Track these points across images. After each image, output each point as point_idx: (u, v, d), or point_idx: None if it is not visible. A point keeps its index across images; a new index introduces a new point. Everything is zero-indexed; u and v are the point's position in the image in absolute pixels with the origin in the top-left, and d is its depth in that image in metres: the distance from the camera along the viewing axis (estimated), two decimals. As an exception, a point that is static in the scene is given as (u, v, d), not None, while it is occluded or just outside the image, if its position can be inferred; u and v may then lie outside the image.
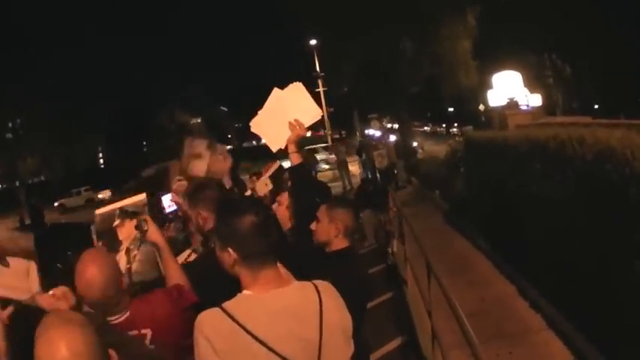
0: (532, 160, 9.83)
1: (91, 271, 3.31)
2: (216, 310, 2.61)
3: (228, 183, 6.87)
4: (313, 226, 4.70)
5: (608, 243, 7.06)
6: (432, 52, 34.88)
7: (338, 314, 2.79)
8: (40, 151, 61.88)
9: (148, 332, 3.44)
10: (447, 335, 6.77)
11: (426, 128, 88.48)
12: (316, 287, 2.80)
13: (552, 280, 9.01)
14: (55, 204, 63.07)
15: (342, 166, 32.80)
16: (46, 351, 2.11)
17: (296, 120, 5.01)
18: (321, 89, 51.91)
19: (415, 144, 43.25)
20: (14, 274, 3.78)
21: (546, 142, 9.22)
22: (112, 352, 2.37)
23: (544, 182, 9.28)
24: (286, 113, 5.12)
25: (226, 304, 2.63)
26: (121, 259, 4.14)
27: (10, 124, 63.10)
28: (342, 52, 36.86)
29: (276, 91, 5.32)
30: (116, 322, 3.39)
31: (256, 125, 5.36)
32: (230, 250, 2.74)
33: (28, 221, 44.92)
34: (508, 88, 17.26)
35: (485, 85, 21.54)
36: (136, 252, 4.15)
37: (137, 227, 4.10)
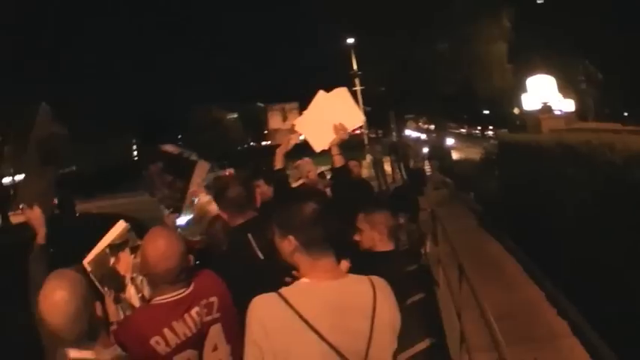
0: (564, 164, 9.86)
1: (162, 243, 3.50)
2: (272, 294, 2.66)
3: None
4: (357, 237, 4.88)
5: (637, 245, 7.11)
6: (468, 53, 34.82)
7: (390, 311, 2.81)
8: (74, 141, 61.90)
9: (215, 300, 3.70)
10: (474, 337, 6.81)
11: (462, 130, 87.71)
12: (372, 282, 2.82)
13: (581, 284, 9.03)
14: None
15: (377, 165, 32.60)
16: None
17: (340, 124, 5.25)
18: (358, 88, 51.78)
19: (450, 143, 43.08)
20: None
21: (578, 147, 9.26)
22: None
23: (576, 186, 9.32)
24: (331, 116, 5.33)
25: (283, 290, 2.68)
26: (130, 291, 4.19)
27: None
28: (380, 51, 36.93)
29: (321, 93, 5.51)
30: (183, 294, 3.57)
31: (301, 125, 5.61)
32: (290, 237, 2.77)
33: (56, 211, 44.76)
34: (542, 92, 17.22)
35: (520, 88, 21.43)
36: (140, 277, 4.14)
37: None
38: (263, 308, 2.63)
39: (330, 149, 5.31)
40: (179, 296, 3.55)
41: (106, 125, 66.76)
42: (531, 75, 18.53)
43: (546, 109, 16.86)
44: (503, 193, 17.22)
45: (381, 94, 46.55)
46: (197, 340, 3.54)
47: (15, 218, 19.78)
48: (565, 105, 18.93)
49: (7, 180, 51.10)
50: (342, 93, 5.54)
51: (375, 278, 2.87)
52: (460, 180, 27.92)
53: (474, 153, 37.51)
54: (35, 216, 4.40)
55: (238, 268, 4.11)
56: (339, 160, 5.28)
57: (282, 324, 2.57)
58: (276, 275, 3.39)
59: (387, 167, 33.15)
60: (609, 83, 32.42)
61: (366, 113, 51.05)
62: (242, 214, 4.64)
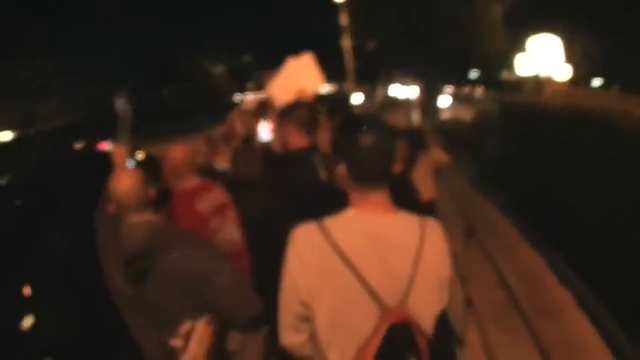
0: (574, 127, 9.68)
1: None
2: (313, 223, 2.58)
3: None
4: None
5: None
6: (465, 12, 34.51)
7: (438, 258, 2.64)
8: (61, 95, 60.93)
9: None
10: (481, 305, 6.66)
11: (448, 90, 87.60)
12: (422, 222, 2.67)
13: (586, 247, 8.88)
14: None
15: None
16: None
17: (301, 88, 5.73)
18: (346, 43, 51.41)
19: (444, 103, 43.01)
20: None
21: (590, 111, 9.07)
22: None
23: (587, 149, 9.14)
24: (295, 80, 5.84)
25: (326, 219, 2.60)
26: None
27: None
28: (374, 6, 36.63)
29: (290, 59, 6.16)
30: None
31: (271, 88, 6.21)
32: (343, 165, 2.62)
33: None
34: (545, 54, 16.90)
35: (515, 51, 21.18)
36: None
37: None
38: (301, 238, 2.57)
39: None
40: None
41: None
42: (528, 38, 18.26)
43: (549, 70, 16.61)
44: (504, 154, 17.03)
45: (372, 50, 46.27)
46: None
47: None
48: (564, 70, 18.63)
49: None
50: (306, 59, 6.10)
51: (429, 219, 2.72)
52: (450, 140, 27.75)
53: (464, 113, 37.36)
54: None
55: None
56: None
57: (318, 255, 2.50)
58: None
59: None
60: (606, 53, 31.97)
61: (355, 69, 51.09)
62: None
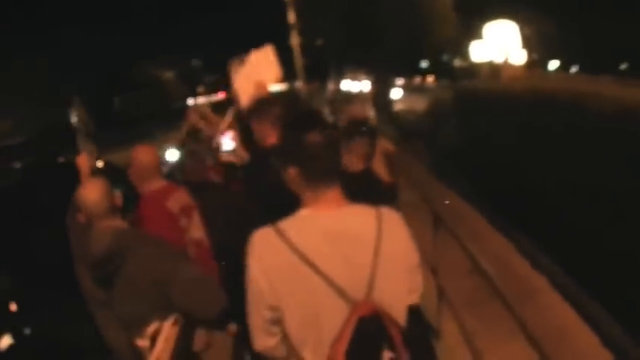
0: (538, 111, 9.70)
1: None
2: (268, 228, 2.54)
3: None
4: None
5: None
6: (413, 2, 34.66)
7: (399, 245, 2.61)
8: (13, 113, 60.16)
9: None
10: (453, 295, 6.61)
11: (398, 82, 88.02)
12: (379, 211, 2.63)
13: (558, 232, 8.91)
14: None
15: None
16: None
17: (260, 81, 5.82)
18: (294, 41, 51.44)
19: (396, 95, 43.24)
20: None
21: (555, 93, 9.10)
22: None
23: (550, 132, 9.17)
24: (256, 74, 5.95)
25: (281, 222, 2.55)
26: None
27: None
28: (320, 2, 36.71)
29: (253, 52, 6.17)
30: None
31: (235, 82, 6.22)
32: (293, 167, 2.59)
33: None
34: (502, 40, 17.02)
35: (467, 38, 21.30)
36: None
37: None
38: (259, 244, 2.53)
39: None
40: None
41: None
42: (480, 25, 18.40)
43: (506, 56, 16.72)
44: (460, 141, 17.10)
45: (321, 46, 46.36)
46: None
47: None
48: (520, 55, 18.79)
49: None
50: (266, 51, 6.16)
51: (385, 209, 2.68)
52: (404, 131, 27.89)
53: (417, 104, 37.64)
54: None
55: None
56: None
57: (279, 259, 2.45)
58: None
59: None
60: (564, 37, 32.26)
61: (304, 66, 51.17)
62: None
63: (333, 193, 2.60)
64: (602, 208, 7.75)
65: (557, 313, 6.82)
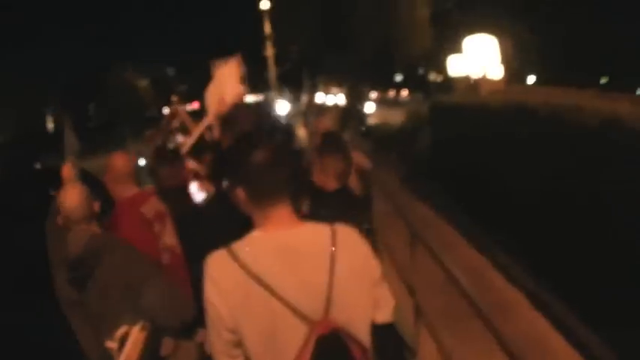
0: (518, 126, 9.69)
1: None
2: (222, 250, 2.47)
3: None
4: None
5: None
6: (389, 15, 34.83)
7: (356, 261, 2.54)
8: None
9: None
10: (430, 312, 6.53)
11: (372, 95, 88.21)
12: (333, 229, 2.55)
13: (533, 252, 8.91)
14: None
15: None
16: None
17: (221, 97, 5.85)
18: (269, 52, 51.57)
19: (369, 109, 43.28)
20: None
21: (536, 108, 9.09)
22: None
23: (531, 147, 9.15)
24: (220, 88, 5.97)
25: (233, 244, 2.48)
26: None
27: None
28: (296, 13, 36.77)
29: (219, 65, 6.15)
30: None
31: (206, 96, 6.18)
32: (239, 188, 2.55)
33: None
34: (481, 54, 17.05)
35: (443, 52, 21.37)
36: None
37: None
38: (214, 267, 2.46)
39: None
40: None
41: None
42: (459, 38, 18.46)
43: (484, 70, 16.75)
44: (437, 154, 17.11)
45: (295, 58, 46.55)
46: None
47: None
48: (498, 69, 18.87)
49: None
50: (232, 66, 6.09)
51: (340, 225, 2.61)
52: (378, 144, 27.92)
53: (391, 117, 37.74)
54: None
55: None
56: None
57: (234, 282, 2.40)
58: None
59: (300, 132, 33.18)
60: (545, 50, 32.42)
61: (279, 77, 51.33)
62: None
63: (283, 212, 2.56)
64: (583, 214, 7.77)
65: (535, 326, 6.76)
